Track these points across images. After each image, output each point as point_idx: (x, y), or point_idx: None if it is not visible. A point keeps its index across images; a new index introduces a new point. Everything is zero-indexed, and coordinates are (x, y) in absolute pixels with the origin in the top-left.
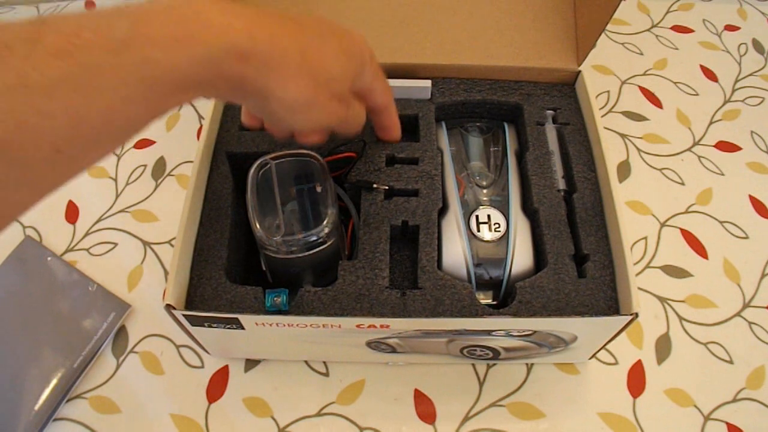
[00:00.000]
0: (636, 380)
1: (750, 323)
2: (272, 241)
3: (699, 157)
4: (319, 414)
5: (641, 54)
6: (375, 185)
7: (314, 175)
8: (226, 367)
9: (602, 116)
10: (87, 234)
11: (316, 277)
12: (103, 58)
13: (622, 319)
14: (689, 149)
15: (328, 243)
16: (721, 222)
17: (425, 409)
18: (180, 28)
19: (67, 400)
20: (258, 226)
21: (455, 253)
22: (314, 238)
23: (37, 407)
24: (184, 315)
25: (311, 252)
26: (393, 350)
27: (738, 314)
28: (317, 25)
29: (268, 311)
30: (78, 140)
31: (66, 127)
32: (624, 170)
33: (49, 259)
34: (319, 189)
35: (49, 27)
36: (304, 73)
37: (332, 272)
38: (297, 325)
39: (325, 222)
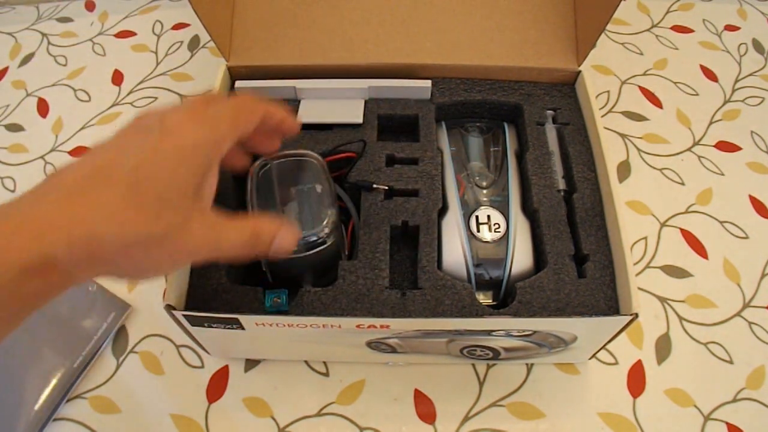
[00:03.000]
0: (636, 380)
1: (750, 323)
2: None
3: (699, 157)
4: (319, 414)
5: (641, 54)
6: (375, 185)
7: (314, 175)
8: (226, 367)
9: (602, 116)
10: None
11: (316, 277)
12: None
13: (622, 319)
14: (689, 149)
15: (328, 243)
16: (721, 222)
17: (425, 409)
18: None
19: (67, 400)
20: None
21: (455, 254)
22: (314, 238)
23: (37, 407)
24: (184, 315)
25: (311, 252)
26: (393, 350)
27: (738, 314)
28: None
29: (268, 311)
30: None
31: None
32: (624, 170)
33: None
34: (319, 189)
35: None
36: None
37: (332, 272)
38: (297, 325)
39: (324, 222)
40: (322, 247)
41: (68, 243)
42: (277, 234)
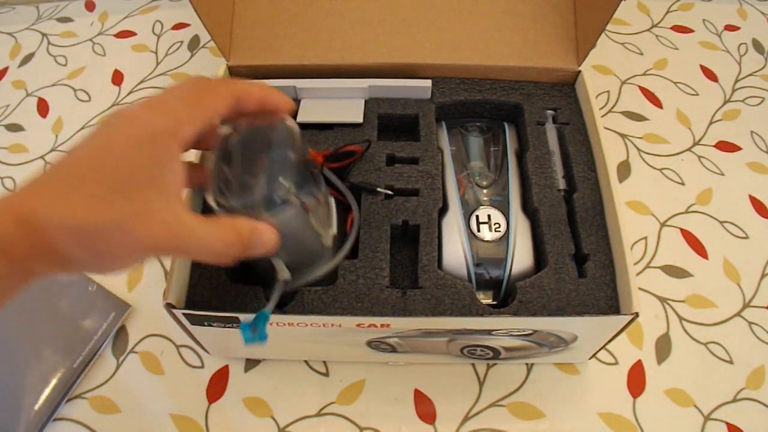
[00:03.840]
0: (636, 380)
1: (750, 323)
2: (226, 202)
3: (699, 157)
4: (319, 414)
5: (641, 54)
6: (378, 189)
7: (286, 143)
8: (226, 367)
9: (602, 116)
10: None
11: (293, 264)
12: None
13: (623, 319)
14: (689, 149)
15: (292, 207)
16: (721, 222)
17: (425, 409)
18: None
19: (67, 400)
20: (211, 192)
21: (455, 253)
22: (274, 196)
23: (37, 407)
24: (184, 314)
25: (273, 213)
26: (393, 350)
27: (738, 314)
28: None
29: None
30: None
31: None
32: (624, 170)
33: None
34: (292, 157)
35: None
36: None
37: (311, 264)
38: (297, 324)
39: (288, 184)
40: (284, 208)
41: (14, 222)
42: (256, 230)
